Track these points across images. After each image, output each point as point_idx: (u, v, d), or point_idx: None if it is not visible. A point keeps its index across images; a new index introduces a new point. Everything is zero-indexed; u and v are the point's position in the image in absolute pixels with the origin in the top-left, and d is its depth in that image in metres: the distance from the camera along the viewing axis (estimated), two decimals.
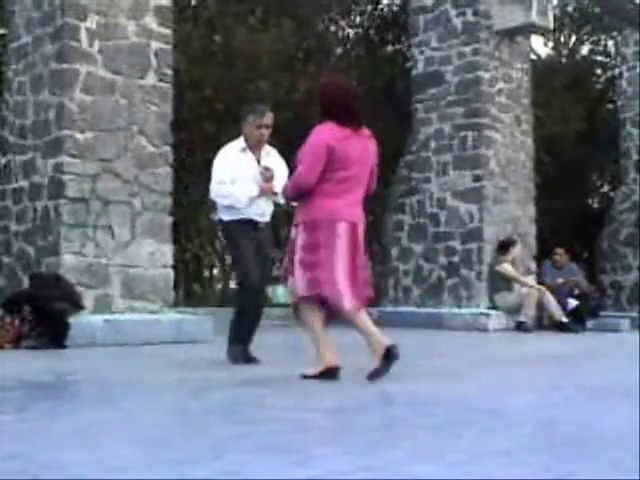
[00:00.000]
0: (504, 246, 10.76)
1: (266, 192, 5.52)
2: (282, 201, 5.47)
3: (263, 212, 5.63)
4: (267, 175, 5.48)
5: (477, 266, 10.92)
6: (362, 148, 4.68)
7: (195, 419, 3.33)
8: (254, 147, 5.57)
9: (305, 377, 4.59)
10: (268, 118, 5.56)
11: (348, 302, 4.54)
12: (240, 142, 5.63)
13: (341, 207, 4.60)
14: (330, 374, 4.55)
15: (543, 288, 10.63)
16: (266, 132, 5.56)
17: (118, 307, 7.71)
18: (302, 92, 12.02)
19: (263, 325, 5.65)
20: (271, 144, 5.79)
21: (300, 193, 4.70)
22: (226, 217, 5.64)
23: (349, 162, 4.61)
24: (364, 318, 4.59)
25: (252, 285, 5.51)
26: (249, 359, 5.49)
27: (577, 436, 2.96)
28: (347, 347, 4.70)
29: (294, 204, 4.93)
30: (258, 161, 5.60)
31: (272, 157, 5.69)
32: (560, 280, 11.21)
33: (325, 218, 4.59)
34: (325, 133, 4.61)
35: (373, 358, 4.48)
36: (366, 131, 4.76)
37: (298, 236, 4.66)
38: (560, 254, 11.55)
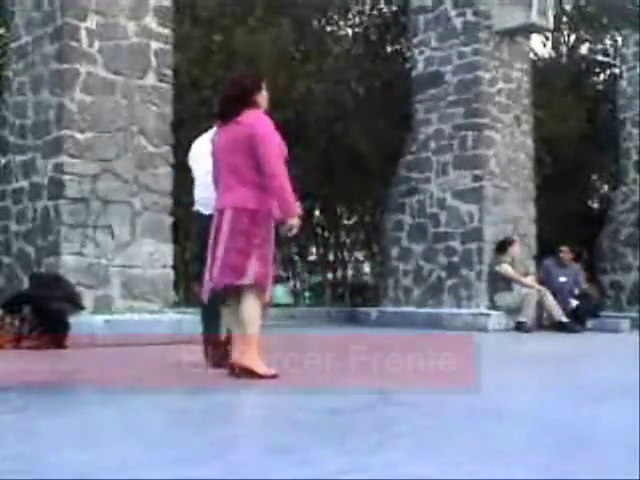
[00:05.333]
0: (502, 246, 10.76)
1: None
2: None
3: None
4: None
5: (477, 266, 10.91)
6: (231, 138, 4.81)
7: (195, 419, 3.33)
8: None
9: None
10: None
11: (204, 293, 4.76)
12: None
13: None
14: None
15: (543, 288, 10.62)
16: None
17: (118, 307, 7.71)
18: (301, 92, 12.01)
19: (262, 325, 5.64)
20: None
21: None
22: (206, 211, 5.44)
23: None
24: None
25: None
26: None
27: (577, 436, 2.96)
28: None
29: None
30: None
31: None
32: (563, 279, 11.20)
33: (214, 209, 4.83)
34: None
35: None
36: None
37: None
38: (565, 252, 11.50)
